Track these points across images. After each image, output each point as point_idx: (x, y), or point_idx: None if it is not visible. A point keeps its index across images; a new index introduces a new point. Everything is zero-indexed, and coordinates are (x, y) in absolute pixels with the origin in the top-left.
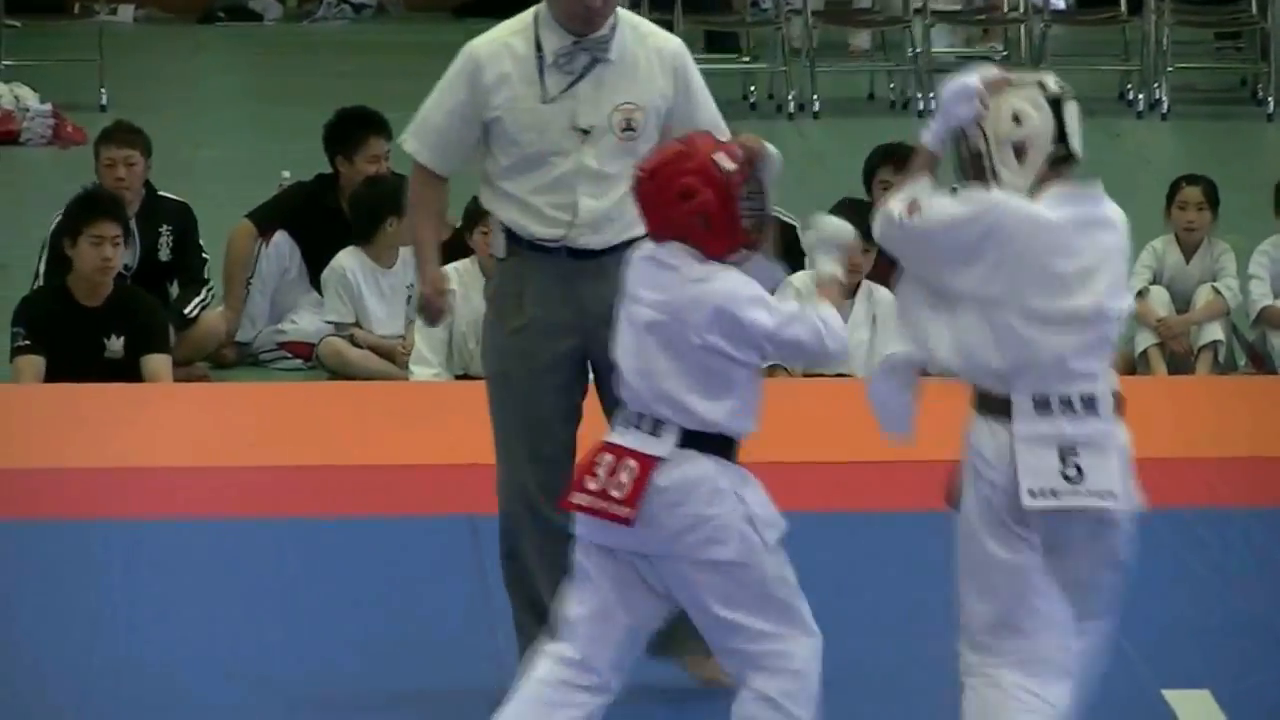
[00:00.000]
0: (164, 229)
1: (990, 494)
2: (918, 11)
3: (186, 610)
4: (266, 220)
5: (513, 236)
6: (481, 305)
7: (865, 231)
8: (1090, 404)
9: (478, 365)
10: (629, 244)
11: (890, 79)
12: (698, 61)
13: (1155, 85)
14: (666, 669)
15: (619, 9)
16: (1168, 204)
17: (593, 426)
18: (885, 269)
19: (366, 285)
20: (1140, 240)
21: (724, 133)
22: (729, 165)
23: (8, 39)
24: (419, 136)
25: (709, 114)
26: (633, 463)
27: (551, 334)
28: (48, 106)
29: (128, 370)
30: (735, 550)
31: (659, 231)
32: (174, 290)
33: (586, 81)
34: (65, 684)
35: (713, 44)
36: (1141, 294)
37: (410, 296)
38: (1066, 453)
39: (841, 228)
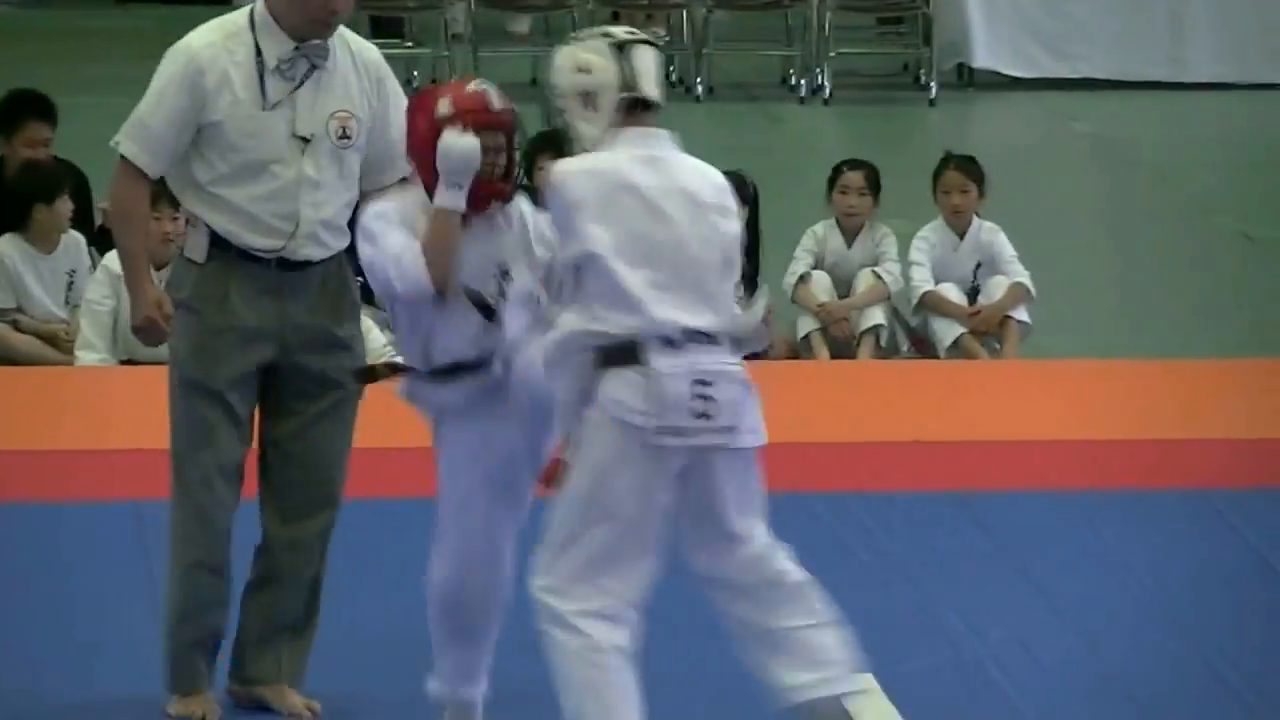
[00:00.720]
0: None
1: None
2: None
3: None
4: None
5: (218, 242)
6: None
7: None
8: None
9: (143, 351)
10: (334, 258)
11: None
12: None
13: (817, 70)
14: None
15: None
16: (829, 189)
17: None
18: None
19: (26, 270)
20: (802, 225)
21: (401, 154)
22: (445, 109)
23: None
24: (136, 139)
25: (399, 130)
26: None
27: (251, 342)
28: None
29: None
30: None
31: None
32: None
33: (305, 89)
34: None
35: (378, 29)
36: (803, 279)
37: (71, 282)
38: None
39: (471, 152)
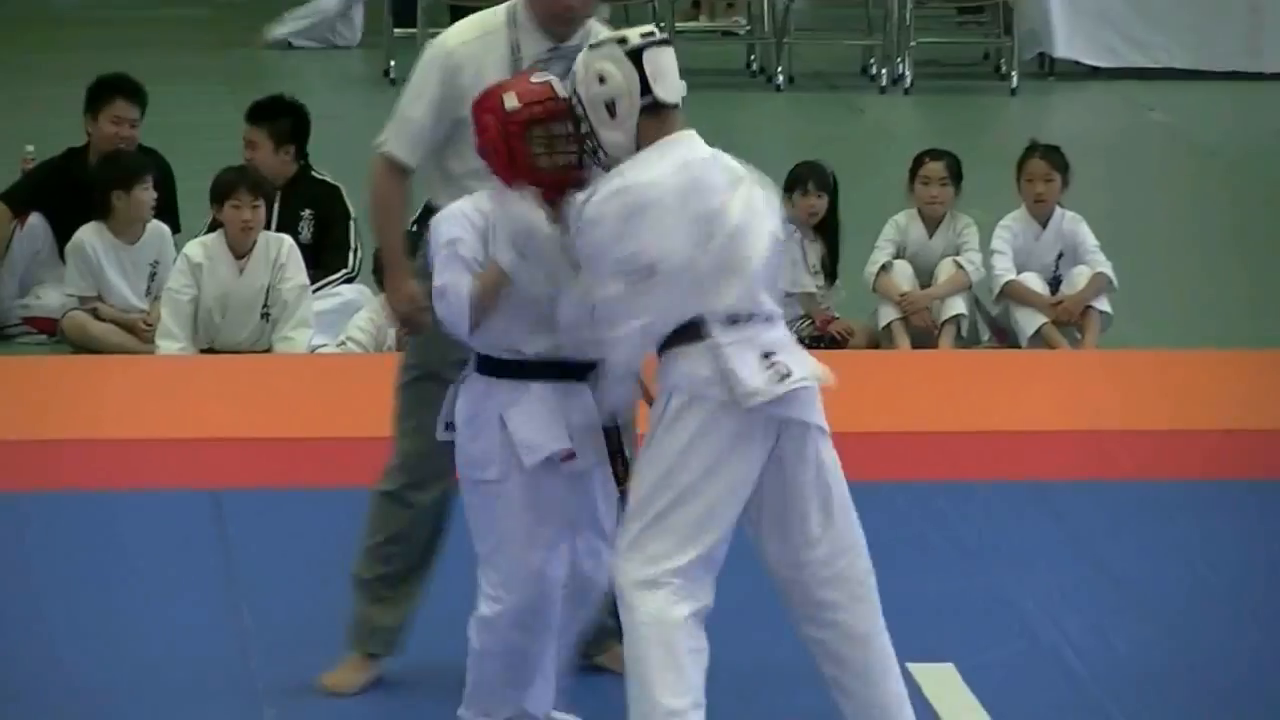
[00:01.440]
0: None
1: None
2: None
3: None
4: (19, 201)
5: None
6: (228, 280)
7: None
8: None
9: (222, 340)
10: None
11: None
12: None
13: (898, 60)
14: None
15: (592, 21)
16: (910, 178)
17: None
18: None
19: (107, 259)
20: (882, 215)
21: None
22: (513, 103)
23: None
24: (401, 139)
25: None
26: None
27: None
28: None
29: None
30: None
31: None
32: None
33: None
34: None
35: (456, 18)
36: (885, 268)
37: (153, 273)
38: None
39: (535, 224)
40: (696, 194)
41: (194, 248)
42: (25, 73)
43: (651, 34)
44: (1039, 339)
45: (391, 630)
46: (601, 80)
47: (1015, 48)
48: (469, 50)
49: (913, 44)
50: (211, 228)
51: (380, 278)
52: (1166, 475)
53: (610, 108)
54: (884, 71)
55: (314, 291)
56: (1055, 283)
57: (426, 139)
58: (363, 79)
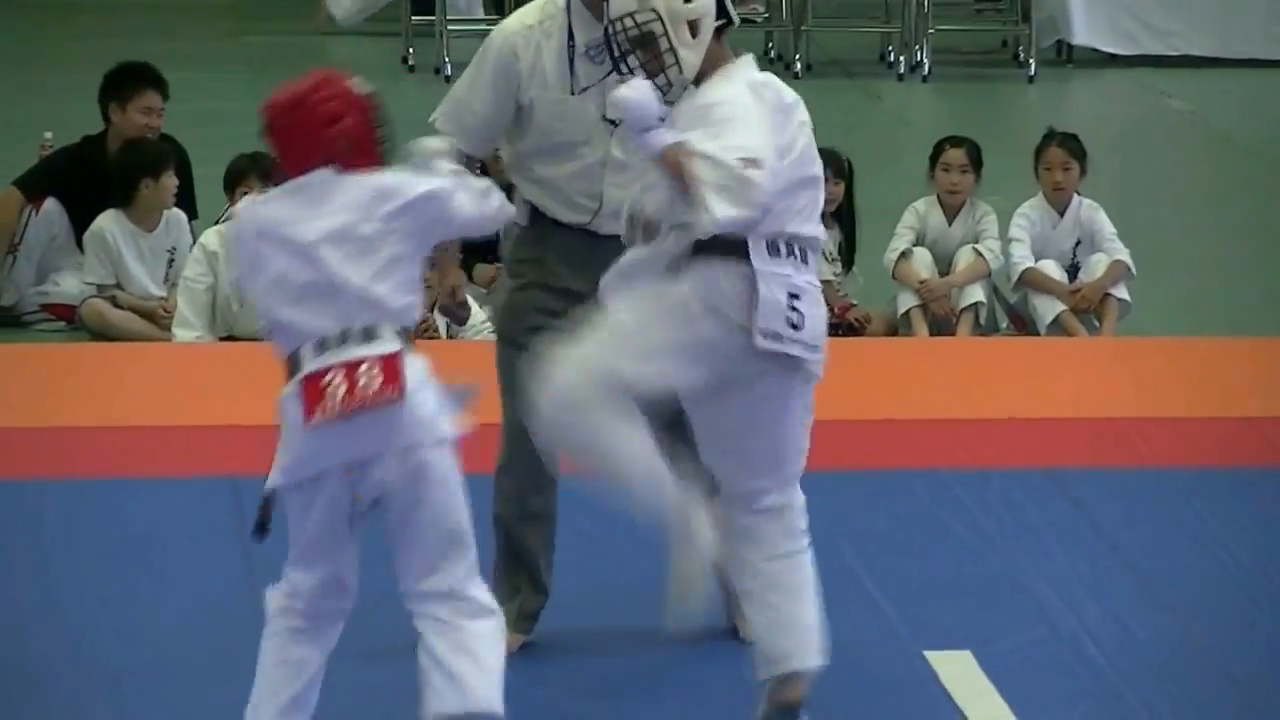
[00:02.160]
0: None
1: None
2: None
3: None
4: (34, 187)
5: (537, 211)
6: None
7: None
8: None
9: (241, 327)
10: None
11: None
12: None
13: (916, 47)
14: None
15: None
16: (931, 166)
17: None
18: None
19: (126, 247)
20: (900, 202)
21: None
22: (366, 88)
23: None
24: (452, 119)
25: None
26: (369, 364)
27: (561, 300)
28: None
29: None
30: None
31: (301, 163)
32: None
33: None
34: None
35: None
36: (905, 255)
37: (171, 260)
38: (791, 297)
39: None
40: (774, 112)
41: (210, 236)
42: (42, 59)
43: None
44: (1057, 326)
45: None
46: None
47: (1033, 35)
48: (526, 36)
49: (931, 31)
50: (228, 215)
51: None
52: (1184, 462)
53: (693, 26)
54: (902, 59)
55: None
56: (1073, 270)
57: (485, 128)
58: (381, 66)
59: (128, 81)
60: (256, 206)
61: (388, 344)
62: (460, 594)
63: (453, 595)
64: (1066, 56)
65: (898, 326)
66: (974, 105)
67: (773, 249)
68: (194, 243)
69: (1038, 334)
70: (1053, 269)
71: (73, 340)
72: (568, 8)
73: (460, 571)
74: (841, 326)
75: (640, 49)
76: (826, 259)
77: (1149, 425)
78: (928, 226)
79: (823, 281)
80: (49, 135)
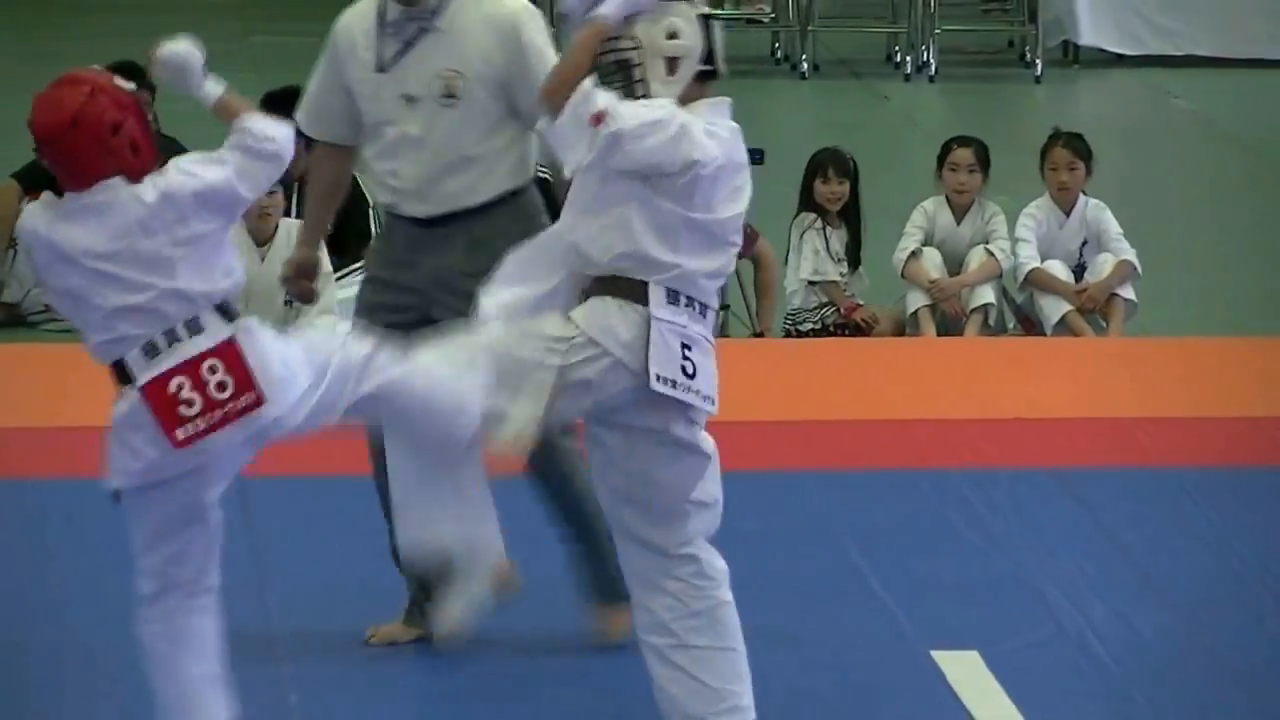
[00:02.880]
0: None
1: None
2: None
3: None
4: (33, 180)
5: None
6: (250, 268)
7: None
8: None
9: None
10: (460, 214)
11: None
12: None
13: (923, 47)
14: None
15: None
16: (939, 166)
17: None
18: None
19: None
20: (909, 202)
21: None
22: (129, 84)
23: None
24: (304, 110)
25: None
26: (211, 361)
27: (394, 294)
28: None
29: None
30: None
31: (89, 175)
32: None
33: (415, 50)
34: None
35: None
36: (914, 255)
37: None
38: (684, 347)
39: (178, 48)
40: (730, 162)
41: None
42: (52, 59)
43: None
44: (1064, 326)
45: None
46: (671, 36)
47: (1039, 35)
48: (348, 19)
49: (937, 31)
50: None
51: None
52: (1189, 462)
53: (671, 64)
54: (908, 59)
55: (336, 279)
56: (1080, 270)
57: (325, 110)
58: None
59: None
60: (44, 225)
61: (216, 330)
62: None
63: None
64: (1073, 57)
65: (905, 326)
66: (980, 105)
67: (672, 297)
68: None
69: (1045, 334)
70: (1059, 269)
71: (77, 340)
72: None
73: None
74: (848, 327)
75: (617, 73)
76: (833, 259)
77: (1154, 424)
78: (936, 226)
79: (829, 282)
80: None
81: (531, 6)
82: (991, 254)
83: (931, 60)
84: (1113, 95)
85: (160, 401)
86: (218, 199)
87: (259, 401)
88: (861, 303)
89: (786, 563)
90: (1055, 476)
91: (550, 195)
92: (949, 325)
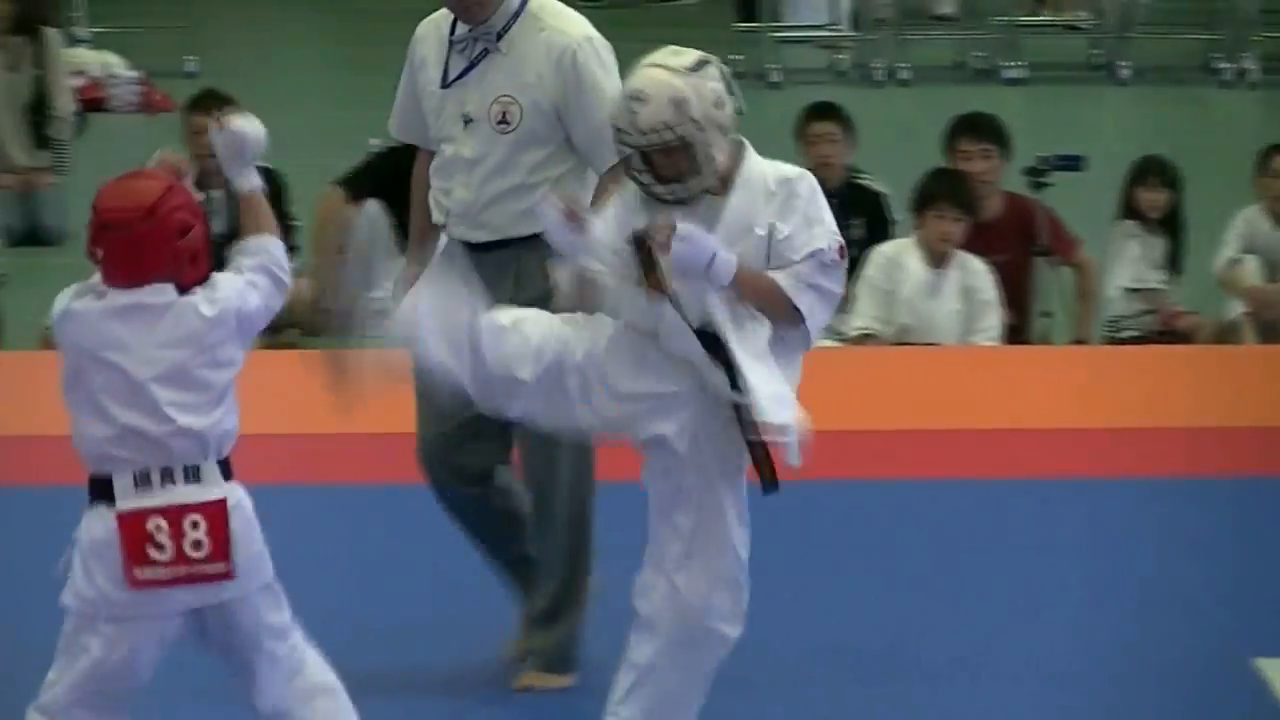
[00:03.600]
0: None
1: None
2: None
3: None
4: (356, 187)
5: None
6: None
7: (956, 199)
8: None
9: None
10: (512, 243)
11: (978, 46)
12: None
13: (1241, 54)
14: None
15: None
16: (1257, 173)
17: None
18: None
19: None
20: (1227, 211)
21: (607, 141)
22: (198, 193)
23: (97, 6)
24: (394, 112)
25: (601, 116)
26: (196, 517)
27: None
28: (136, 73)
29: None
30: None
31: (144, 273)
32: None
33: (477, 70)
34: None
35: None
36: (1234, 263)
37: None
38: None
39: (248, 128)
40: None
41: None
42: (368, 65)
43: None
44: None
45: None
46: (719, 105)
47: None
48: (424, 30)
49: (1256, 38)
50: None
51: None
52: None
53: (723, 129)
54: (1227, 66)
55: None
56: None
57: (410, 117)
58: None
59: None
60: (85, 318)
61: (211, 488)
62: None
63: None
64: None
65: (1226, 334)
66: None
67: None
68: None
69: None
70: None
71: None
72: None
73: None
74: (1169, 334)
75: (668, 156)
76: (1153, 266)
77: None
78: (1256, 234)
79: (1149, 289)
80: (376, 141)
81: (594, 34)
82: None
83: (1251, 67)
84: None
85: (133, 535)
86: (250, 324)
87: (227, 575)
88: (1184, 310)
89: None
90: None
91: None
92: (1269, 333)
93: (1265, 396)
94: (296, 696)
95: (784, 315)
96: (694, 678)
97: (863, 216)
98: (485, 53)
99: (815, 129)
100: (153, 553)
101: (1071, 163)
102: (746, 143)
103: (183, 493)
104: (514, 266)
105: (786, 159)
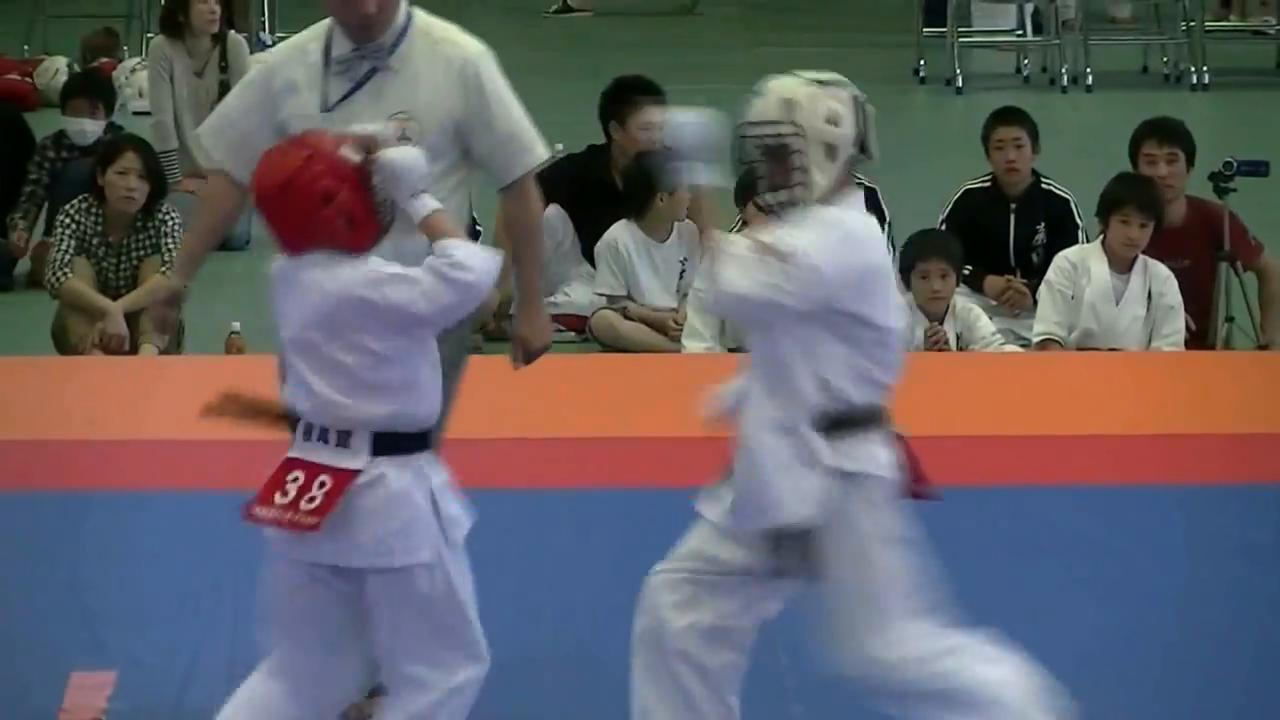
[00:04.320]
0: None
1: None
2: None
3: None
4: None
5: None
6: None
7: (1142, 204)
8: None
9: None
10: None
11: (1163, 51)
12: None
13: None
14: None
15: (417, 15)
16: None
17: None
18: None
19: (639, 258)
20: None
21: (526, 146)
22: (355, 156)
23: (285, 10)
24: (218, 136)
25: (508, 124)
26: (326, 478)
27: None
28: None
29: None
30: (426, 554)
31: (299, 243)
32: None
33: (365, 90)
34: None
35: None
36: None
37: (683, 271)
38: None
39: (399, 156)
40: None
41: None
42: (556, 70)
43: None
44: None
45: None
46: (832, 122)
47: None
48: (285, 54)
49: None
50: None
51: None
52: None
53: (830, 151)
54: None
55: None
56: None
57: (249, 147)
58: (891, 76)
59: (626, 97)
60: (269, 281)
61: (355, 458)
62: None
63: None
64: None
65: None
66: None
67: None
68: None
69: None
70: None
71: (583, 351)
72: (331, 25)
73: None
74: None
75: (771, 159)
76: None
77: None
78: None
79: None
80: (559, 147)
81: (487, 49)
82: None
83: None
84: None
85: (277, 479)
86: (394, 316)
87: (313, 528)
88: None
89: None
90: None
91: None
92: None
93: None
94: None
95: None
96: None
97: (1047, 221)
98: (373, 71)
99: (1001, 134)
100: (277, 497)
101: (1257, 168)
102: (862, 190)
103: (328, 454)
104: None
105: (970, 163)
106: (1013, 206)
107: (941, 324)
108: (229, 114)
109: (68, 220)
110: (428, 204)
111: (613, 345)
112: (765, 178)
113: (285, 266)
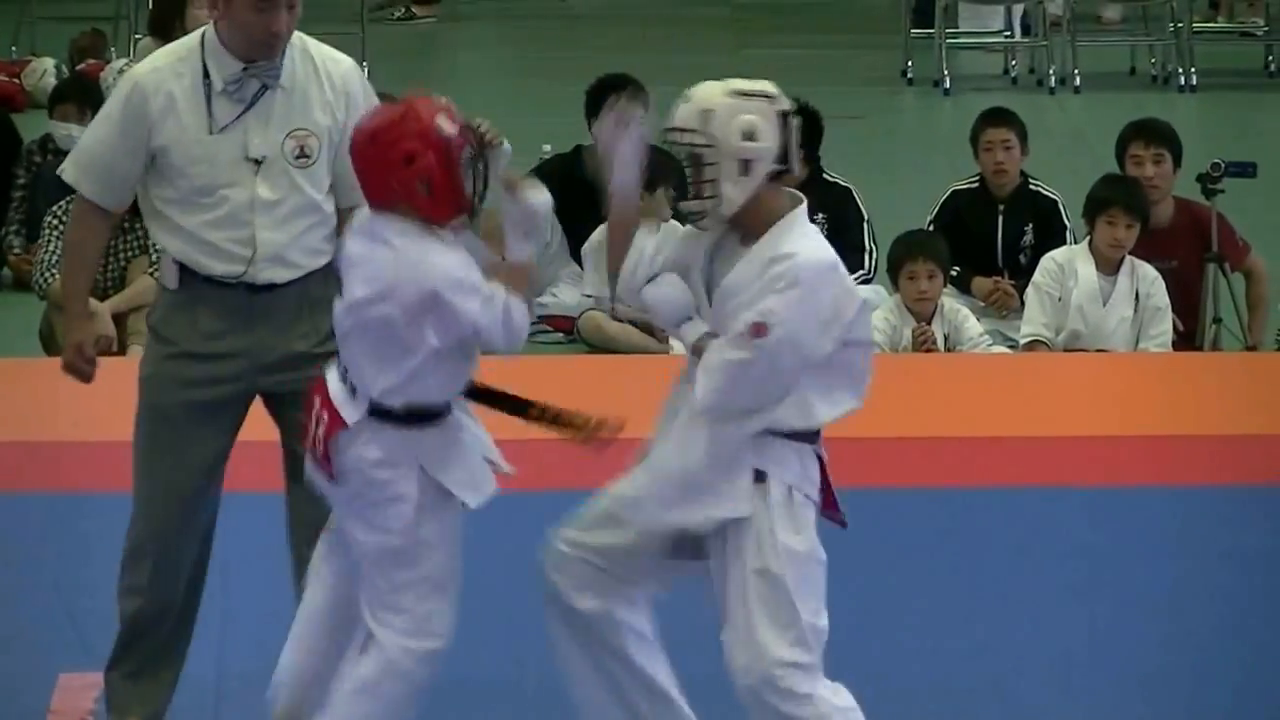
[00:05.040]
0: None
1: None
2: None
3: None
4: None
5: (186, 270)
6: None
7: (1128, 205)
8: None
9: None
10: (310, 276)
11: (1151, 53)
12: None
13: None
14: None
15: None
16: None
17: None
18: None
19: None
20: None
21: None
22: (450, 129)
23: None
24: (81, 167)
25: None
26: (325, 415)
27: (216, 367)
28: None
29: None
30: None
31: (378, 198)
32: None
33: (256, 110)
34: None
35: None
36: None
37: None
38: None
39: (541, 202)
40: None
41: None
42: (545, 71)
43: (780, 97)
44: None
45: None
46: (748, 136)
47: None
48: (157, 78)
49: None
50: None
51: None
52: None
53: (745, 166)
54: None
55: None
56: None
57: (120, 176)
58: (879, 78)
59: (608, 96)
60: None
61: (352, 410)
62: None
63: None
64: None
65: None
66: None
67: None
68: None
69: None
70: None
71: (571, 352)
72: (201, 46)
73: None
74: None
75: (690, 166)
76: None
77: None
78: None
79: None
80: (547, 148)
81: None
82: None
83: None
84: None
85: (316, 390)
86: (450, 320)
87: (330, 476)
88: None
89: None
90: None
91: None
92: None
93: None
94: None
95: None
96: None
97: (1035, 223)
98: (264, 90)
99: (990, 135)
100: (309, 424)
101: (1245, 169)
102: (801, 211)
103: (342, 399)
104: (305, 299)
105: (958, 164)
106: (1001, 208)
107: (929, 325)
108: (93, 148)
109: (55, 222)
110: (529, 251)
111: (600, 346)
112: (689, 184)
113: (368, 222)
